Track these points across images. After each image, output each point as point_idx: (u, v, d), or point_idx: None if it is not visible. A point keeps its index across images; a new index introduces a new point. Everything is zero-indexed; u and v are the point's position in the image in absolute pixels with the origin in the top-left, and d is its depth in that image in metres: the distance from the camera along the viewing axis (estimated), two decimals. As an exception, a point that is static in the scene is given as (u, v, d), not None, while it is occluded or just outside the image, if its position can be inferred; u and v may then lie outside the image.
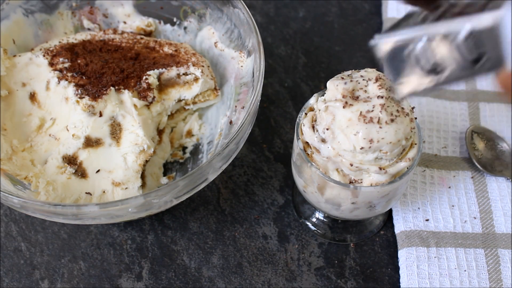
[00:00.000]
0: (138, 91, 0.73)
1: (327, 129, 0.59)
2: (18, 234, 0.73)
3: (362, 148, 0.57)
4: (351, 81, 0.59)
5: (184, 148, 0.78)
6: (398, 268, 0.70)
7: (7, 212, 0.75)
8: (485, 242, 0.70)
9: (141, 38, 0.79)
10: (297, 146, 0.62)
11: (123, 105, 0.71)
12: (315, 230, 0.73)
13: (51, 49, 0.75)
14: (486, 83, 0.84)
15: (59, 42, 0.77)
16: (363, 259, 0.71)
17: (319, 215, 0.74)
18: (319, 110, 0.60)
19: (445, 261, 0.69)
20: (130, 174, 0.70)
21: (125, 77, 0.73)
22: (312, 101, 0.63)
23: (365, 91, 0.59)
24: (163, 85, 0.75)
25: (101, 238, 0.73)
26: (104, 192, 0.69)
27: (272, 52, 0.89)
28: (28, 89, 0.74)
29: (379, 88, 0.58)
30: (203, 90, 0.76)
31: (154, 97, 0.73)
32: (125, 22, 0.82)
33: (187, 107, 0.77)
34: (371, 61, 0.88)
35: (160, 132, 0.76)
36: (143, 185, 0.71)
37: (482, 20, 0.42)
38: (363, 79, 0.59)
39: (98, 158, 0.70)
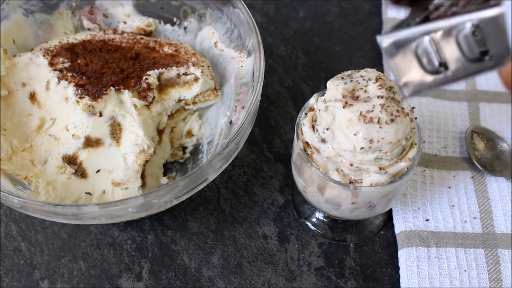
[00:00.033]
0: (138, 91, 0.73)
1: (327, 129, 0.59)
2: (18, 234, 0.73)
3: (362, 148, 0.57)
4: (351, 81, 0.59)
5: (184, 148, 0.78)
6: (398, 268, 0.70)
7: (7, 212, 0.75)
8: (485, 242, 0.70)
9: (141, 38, 0.79)
10: (297, 146, 0.62)
11: (123, 105, 0.71)
12: (315, 230, 0.73)
13: (51, 49, 0.75)
14: (486, 83, 0.84)
15: (59, 42, 0.77)
16: (363, 259, 0.71)
17: (319, 215, 0.74)
18: (319, 110, 0.60)
19: (445, 261, 0.69)
20: (130, 174, 0.70)
21: (125, 77, 0.73)
22: (312, 101, 0.63)
23: (365, 91, 0.59)
24: (163, 85, 0.75)
25: (101, 238, 0.73)
26: (104, 192, 0.69)
27: (272, 52, 0.89)
28: (28, 89, 0.74)
29: (379, 88, 0.58)
30: (203, 90, 0.76)
31: (154, 97, 0.73)
32: (125, 22, 0.82)
33: (187, 107, 0.77)
34: (371, 61, 0.89)
35: (160, 132, 0.76)
36: (143, 185, 0.71)
37: (486, 15, 0.43)
38: (363, 79, 0.59)
39: (98, 158, 0.70)
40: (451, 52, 0.46)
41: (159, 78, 0.74)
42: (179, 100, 0.76)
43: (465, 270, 0.68)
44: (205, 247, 0.72)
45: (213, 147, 0.76)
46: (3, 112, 0.73)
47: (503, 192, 0.74)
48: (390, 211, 0.74)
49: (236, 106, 0.74)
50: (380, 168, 0.59)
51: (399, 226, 0.72)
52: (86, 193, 0.69)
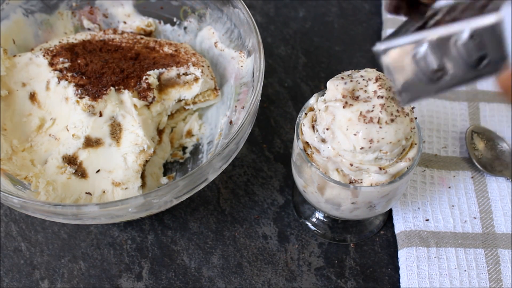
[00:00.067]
0: (138, 91, 0.73)
1: (327, 129, 0.59)
2: (18, 234, 0.73)
3: (362, 148, 0.57)
4: (351, 81, 0.59)
5: (184, 148, 0.78)
6: (398, 268, 0.70)
7: (7, 212, 0.75)
8: (485, 242, 0.70)
9: (141, 38, 0.79)
10: (297, 146, 0.62)
11: (123, 105, 0.71)
12: (315, 230, 0.73)
13: (51, 49, 0.75)
14: (486, 83, 0.84)
15: (59, 42, 0.77)
16: (363, 259, 0.71)
17: (319, 215, 0.74)
18: (319, 110, 0.60)
19: (445, 261, 0.69)
20: (130, 174, 0.70)
21: (125, 77, 0.73)
22: (312, 101, 0.63)
23: (365, 91, 0.59)
24: (163, 85, 0.75)
25: (101, 238, 0.73)
26: (104, 192, 0.69)
27: (272, 52, 0.89)
28: (28, 89, 0.74)
29: (379, 88, 0.58)
30: (203, 90, 0.76)
31: (154, 97, 0.73)
32: (125, 22, 0.82)
33: (187, 107, 0.77)
34: (371, 61, 0.89)
35: (160, 132, 0.76)
36: (143, 185, 0.71)
37: (484, 21, 0.42)
38: (363, 79, 0.59)
39: (98, 158, 0.70)
40: (449, 59, 0.46)
41: (159, 78, 0.74)
42: (179, 100, 0.76)
43: (465, 270, 0.68)
44: (205, 247, 0.72)
45: (213, 147, 0.76)
46: (3, 112, 0.73)
47: (503, 192, 0.74)
48: (390, 211, 0.74)
49: (236, 106, 0.74)
50: (380, 168, 0.59)
51: (399, 226, 0.72)
52: (86, 193, 0.69)
